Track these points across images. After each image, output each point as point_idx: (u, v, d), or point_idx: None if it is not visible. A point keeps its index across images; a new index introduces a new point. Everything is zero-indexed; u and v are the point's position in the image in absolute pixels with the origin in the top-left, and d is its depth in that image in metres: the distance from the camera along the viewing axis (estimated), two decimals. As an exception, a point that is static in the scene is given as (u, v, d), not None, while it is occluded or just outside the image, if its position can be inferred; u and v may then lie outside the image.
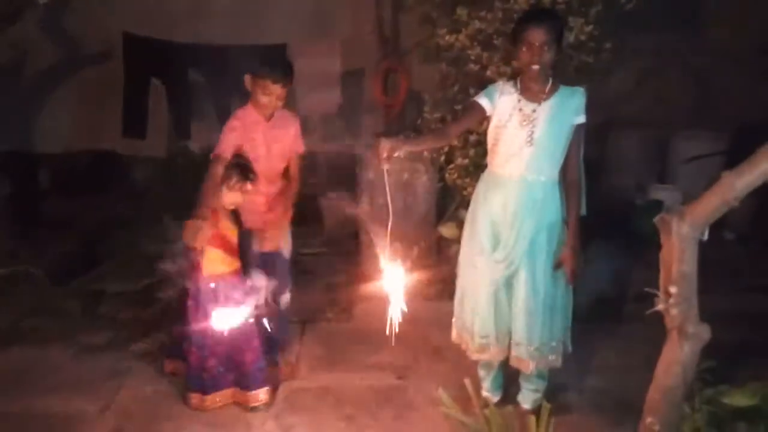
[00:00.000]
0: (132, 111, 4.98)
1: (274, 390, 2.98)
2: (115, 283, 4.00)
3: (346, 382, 3.12)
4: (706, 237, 1.86)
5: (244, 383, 2.87)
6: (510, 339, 2.59)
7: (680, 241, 1.81)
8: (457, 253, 2.78)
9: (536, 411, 2.62)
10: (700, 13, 5.63)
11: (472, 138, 3.68)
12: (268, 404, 2.90)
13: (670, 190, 5.32)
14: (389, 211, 2.20)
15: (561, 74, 3.40)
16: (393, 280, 2.15)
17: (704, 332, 1.91)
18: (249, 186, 2.78)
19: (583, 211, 2.56)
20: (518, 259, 2.49)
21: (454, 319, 2.75)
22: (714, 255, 2.18)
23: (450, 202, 4.21)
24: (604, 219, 5.34)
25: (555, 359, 2.58)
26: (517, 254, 2.48)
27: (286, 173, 3.11)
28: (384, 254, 2.20)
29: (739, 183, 1.73)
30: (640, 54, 5.47)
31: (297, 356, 3.39)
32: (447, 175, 3.89)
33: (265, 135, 2.87)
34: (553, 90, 2.44)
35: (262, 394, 2.88)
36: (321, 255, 5.07)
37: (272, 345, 3.21)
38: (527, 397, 2.77)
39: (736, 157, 1.83)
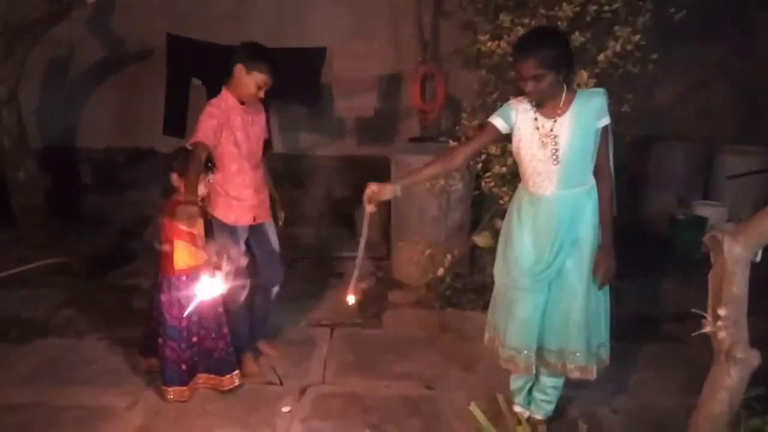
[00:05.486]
0: (172, 110, 5.04)
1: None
2: (150, 278, 4.05)
3: (374, 390, 3.08)
4: (759, 259, 1.77)
5: (217, 369, 2.98)
6: (540, 353, 2.53)
7: (732, 262, 1.72)
8: (490, 262, 2.72)
9: (548, 421, 2.68)
10: (748, 25, 5.46)
11: (510, 146, 3.61)
12: (239, 387, 3.01)
13: (715, 207, 5.15)
14: (361, 249, 2.43)
15: (605, 84, 3.35)
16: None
17: (754, 358, 1.82)
18: (211, 177, 2.86)
19: (614, 211, 2.47)
20: (561, 268, 2.42)
21: (487, 324, 2.70)
22: (764, 276, 2.07)
23: (485, 211, 4.14)
24: (644, 233, 5.25)
25: (606, 357, 2.54)
26: (559, 265, 2.41)
27: None
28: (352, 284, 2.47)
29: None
30: (686, 66, 5.33)
31: (324, 360, 3.37)
32: (483, 184, 3.82)
33: (243, 120, 2.95)
34: (569, 100, 2.31)
35: (235, 378, 3.00)
36: (351, 259, 5.04)
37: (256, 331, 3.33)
38: (542, 408, 2.71)
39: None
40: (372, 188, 2.38)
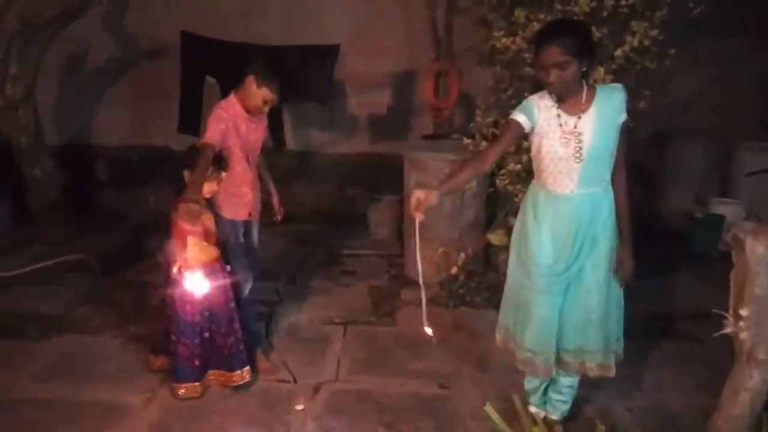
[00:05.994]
0: (187, 108, 5.07)
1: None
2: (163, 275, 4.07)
3: (388, 388, 3.07)
4: (782, 258, 1.74)
5: (227, 365, 3.00)
6: (558, 354, 2.49)
7: (754, 261, 1.70)
8: (505, 261, 2.68)
9: (563, 421, 2.66)
10: (765, 20, 5.36)
11: (525, 144, 3.58)
12: (249, 383, 3.03)
13: (733, 205, 5.08)
14: (418, 268, 2.35)
15: (622, 80, 3.30)
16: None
17: (776, 359, 1.79)
18: (223, 175, 2.96)
19: None
20: (580, 268, 2.38)
21: (498, 326, 2.66)
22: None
23: (500, 209, 4.11)
24: (660, 231, 5.19)
25: (621, 351, 2.50)
26: (579, 265, 2.38)
27: None
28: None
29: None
30: (703, 61, 5.26)
31: (337, 358, 3.37)
32: (498, 181, 3.79)
33: (247, 127, 3.10)
34: (591, 96, 2.27)
35: (245, 374, 3.01)
36: (365, 257, 5.06)
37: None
38: (557, 408, 2.69)
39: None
40: (418, 195, 2.21)
